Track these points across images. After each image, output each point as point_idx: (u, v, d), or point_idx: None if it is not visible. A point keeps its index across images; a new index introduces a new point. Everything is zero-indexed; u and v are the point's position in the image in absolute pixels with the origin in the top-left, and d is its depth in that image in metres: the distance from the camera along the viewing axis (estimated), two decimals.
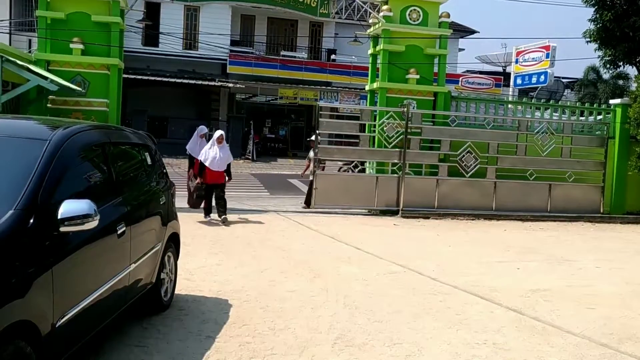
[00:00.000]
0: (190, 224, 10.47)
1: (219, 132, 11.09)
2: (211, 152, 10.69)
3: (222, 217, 10.72)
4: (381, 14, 13.82)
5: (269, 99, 31.73)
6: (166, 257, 5.41)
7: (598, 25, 15.47)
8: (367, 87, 15.14)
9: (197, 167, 11.00)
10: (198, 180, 10.95)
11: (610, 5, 15.06)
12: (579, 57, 48.18)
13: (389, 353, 4.66)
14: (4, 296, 2.75)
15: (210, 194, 11.00)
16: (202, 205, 11.17)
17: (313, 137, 13.64)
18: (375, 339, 4.96)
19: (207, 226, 10.40)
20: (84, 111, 12.01)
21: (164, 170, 5.90)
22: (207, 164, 10.65)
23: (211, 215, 11.03)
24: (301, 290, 6.41)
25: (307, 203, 13.18)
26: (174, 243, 5.71)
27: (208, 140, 11.70)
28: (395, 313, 5.75)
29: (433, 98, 14.06)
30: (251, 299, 5.99)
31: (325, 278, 7.03)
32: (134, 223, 4.40)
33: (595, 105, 16.70)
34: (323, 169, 13.61)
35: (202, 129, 13.00)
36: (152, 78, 26.14)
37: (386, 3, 13.93)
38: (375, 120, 13.76)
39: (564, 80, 36.18)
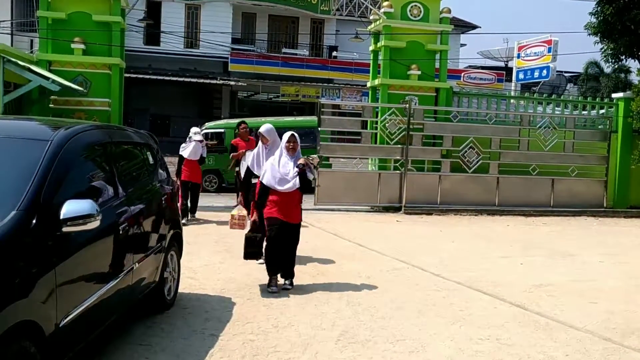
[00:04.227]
0: (193, 223, 10.50)
1: (288, 133, 6.46)
2: (276, 166, 6.30)
3: (289, 280, 6.47)
4: (382, 10, 13.80)
5: (271, 97, 31.73)
6: (169, 256, 5.42)
7: (599, 19, 15.41)
8: (368, 84, 15.13)
9: (257, 192, 6.59)
10: (252, 216, 6.60)
11: None
12: (581, 51, 48.00)
13: (393, 349, 4.66)
14: (8, 297, 2.77)
15: (278, 240, 6.28)
16: (262, 258, 6.59)
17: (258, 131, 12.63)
18: (379, 335, 4.96)
19: (210, 224, 10.40)
20: (86, 111, 12.03)
21: (166, 169, 5.91)
22: (268, 182, 6.28)
23: (279, 278, 6.45)
24: (304, 288, 6.42)
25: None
26: (176, 242, 5.72)
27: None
28: (398, 309, 5.76)
29: (435, 94, 14.04)
30: (254, 296, 6.00)
31: (328, 275, 7.03)
32: (136, 222, 4.42)
33: (597, 99, 16.67)
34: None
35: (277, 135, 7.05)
36: (154, 77, 26.16)
37: None
38: (377, 116, 13.76)
39: (566, 74, 36.08)
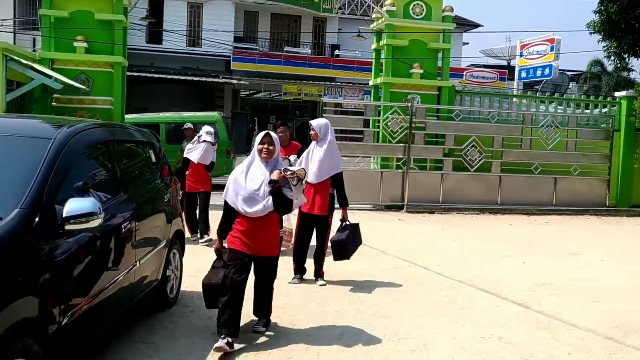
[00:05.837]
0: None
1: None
2: (242, 179, 4.61)
3: (262, 321, 5.03)
4: (384, 8, 13.77)
5: (273, 95, 31.74)
6: (171, 254, 5.43)
7: (603, 17, 15.36)
8: (370, 82, 15.11)
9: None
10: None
11: None
12: (584, 49, 47.98)
13: (395, 348, 4.66)
14: (10, 295, 2.77)
15: (240, 282, 4.60)
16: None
17: (186, 126, 10.98)
18: (381, 334, 4.96)
19: (213, 223, 10.36)
20: (88, 109, 12.03)
21: (168, 166, 5.92)
22: (231, 201, 4.64)
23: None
24: (306, 286, 6.43)
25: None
26: (179, 240, 5.73)
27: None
28: (400, 308, 5.75)
29: (437, 92, 14.01)
30: None
31: (330, 273, 7.02)
32: (139, 220, 4.42)
33: (600, 98, 16.63)
34: None
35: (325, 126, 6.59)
36: (156, 75, 26.15)
37: None
38: (379, 115, 13.75)
39: (568, 73, 35.99)
